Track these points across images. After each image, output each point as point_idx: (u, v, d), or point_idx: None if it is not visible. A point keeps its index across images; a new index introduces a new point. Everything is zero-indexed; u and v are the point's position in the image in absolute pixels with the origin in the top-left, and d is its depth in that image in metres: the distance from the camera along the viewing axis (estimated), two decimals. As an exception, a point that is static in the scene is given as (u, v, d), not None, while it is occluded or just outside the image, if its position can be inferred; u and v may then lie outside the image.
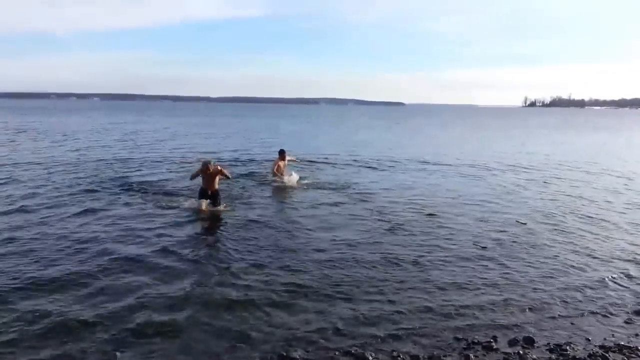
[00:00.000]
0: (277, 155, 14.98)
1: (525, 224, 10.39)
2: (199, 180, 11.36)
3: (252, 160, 20.07)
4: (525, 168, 19.56)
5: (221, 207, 10.94)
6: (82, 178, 14.59)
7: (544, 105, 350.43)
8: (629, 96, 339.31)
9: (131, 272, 7.10)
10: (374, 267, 7.56)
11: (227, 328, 5.52)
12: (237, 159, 20.50)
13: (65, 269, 7.09)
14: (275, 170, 14.46)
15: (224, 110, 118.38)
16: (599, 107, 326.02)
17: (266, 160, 18.91)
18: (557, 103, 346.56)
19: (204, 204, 10.84)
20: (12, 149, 22.51)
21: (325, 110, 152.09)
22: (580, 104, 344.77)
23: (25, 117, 59.16)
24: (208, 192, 10.96)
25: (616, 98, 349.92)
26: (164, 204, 11.30)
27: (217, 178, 11.09)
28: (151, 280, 6.78)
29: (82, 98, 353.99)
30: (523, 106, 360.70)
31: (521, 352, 5.12)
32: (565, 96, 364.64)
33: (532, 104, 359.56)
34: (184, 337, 5.27)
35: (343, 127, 52.44)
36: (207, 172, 10.90)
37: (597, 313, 6.12)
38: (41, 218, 9.88)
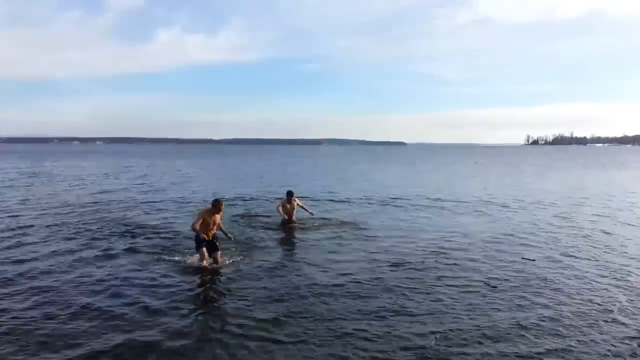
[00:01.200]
0: (285, 197, 14.33)
1: (534, 260, 10.43)
2: None
3: (253, 200, 20.32)
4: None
5: (219, 257, 9.85)
6: (90, 222, 14.76)
7: (547, 143, 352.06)
8: (630, 133, 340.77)
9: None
10: (368, 300, 7.62)
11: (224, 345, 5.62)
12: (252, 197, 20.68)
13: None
14: (278, 209, 14.06)
15: (228, 152, 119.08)
16: (600, 145, 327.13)
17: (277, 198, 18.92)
18: (559, 141, 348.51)
19: (205, 255, 9.66)
20: (29, 192, 22.81)
21: (328, 151, 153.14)
22: (583, 141, 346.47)
23: (39, 162, 59.81)
24: (207, 239, 9.72)
25: (618, 135, 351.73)
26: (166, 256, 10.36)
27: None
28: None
29: (85, 142, 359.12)
30: (525, 144, 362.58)
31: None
32: (567, 134, 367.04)
33: (535, 142, 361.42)
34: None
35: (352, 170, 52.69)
36: (215, 213, 9.74)
37: (602, 347, 6.16)
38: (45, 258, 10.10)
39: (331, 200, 20.72)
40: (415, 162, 67.53)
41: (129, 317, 6.97)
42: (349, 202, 20.24)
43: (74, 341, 6.15)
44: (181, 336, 6.39)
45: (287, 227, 13.85)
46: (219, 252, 9.88)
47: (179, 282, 8.80)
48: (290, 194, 14.18)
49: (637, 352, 6.05)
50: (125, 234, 12.81)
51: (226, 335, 6.44)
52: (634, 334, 6.61)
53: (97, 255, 10.51)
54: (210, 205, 9.95)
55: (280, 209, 14.11)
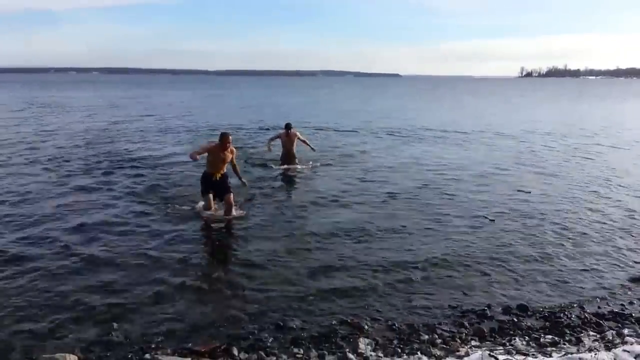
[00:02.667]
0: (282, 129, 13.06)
1: (529, 192, 10.49)
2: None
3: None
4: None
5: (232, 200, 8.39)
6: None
7: (540, 75, 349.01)
8: (623, 66, 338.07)
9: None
10: (371, 239, 7.56)
11: (224, 300, 5.54)
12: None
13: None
14: (269, 144, 13.02)
15: (225, 84, 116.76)
16: (594, 77, 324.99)
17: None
18: (553, 73, 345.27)
19: (211, 202, 8.43)
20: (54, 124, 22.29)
21: (324, 82, 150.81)
22: (576, 74, 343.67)
23: (43, 91, 58.45)
24: (213, 179, 8.33)
25: (611, 68, 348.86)
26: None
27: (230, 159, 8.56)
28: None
29: (82, 72, 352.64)
30: (519, 77, 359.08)
31: (515, 319, 5.15)
32: (561, 66, 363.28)
33: (529, 75, 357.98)
34: (182, 307, 5.25)
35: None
36: (223, 150, 8.26)
37: (592, 281, 6.15)
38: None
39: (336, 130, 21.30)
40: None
41: (122, 271, 6.18)
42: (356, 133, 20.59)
43: (65, 297, 5.56)
44: (180, 292, 5.67)
45: (287, 165, 12.74)
46: (231, 195, 8.30)
47: (179, 233, 7.63)
48: (288, 127, 12.87)
49: (626, 286, 6.00)
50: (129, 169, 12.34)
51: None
52: (623, 273, 6.57)
53: (97, 199, 9.55)
54: (218, 140, 8.29)
55: (272, 142, 13.09)
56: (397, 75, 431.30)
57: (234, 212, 8.44)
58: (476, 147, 17.17)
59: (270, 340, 4.71)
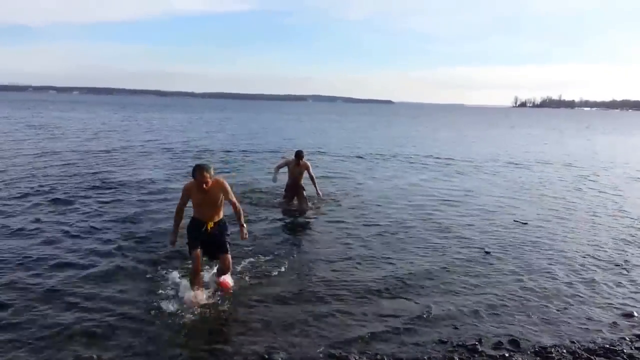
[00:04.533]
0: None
1: (526, 223, 10.46)
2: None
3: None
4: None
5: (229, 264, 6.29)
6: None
7: (535, 105, 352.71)
8: (618, 97, 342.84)
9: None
10: (360, 268, 7.49)
11: (207, 333, 5.43)
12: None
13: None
14: (276, 168, 11.44)
15: (216, 107, 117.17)
16: (589, 109, 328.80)
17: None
18: (547, 104, 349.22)
19: (198, 265, 6.13)
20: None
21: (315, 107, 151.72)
22: (571, 104, 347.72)
23: (29, 111, 58.29)
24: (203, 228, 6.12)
25: (606, 99, 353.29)
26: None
27: None
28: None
29: (62, 92, 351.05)
30: (513, 106, 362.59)
31: (506, 354, 5.06)
32: (555, 97, 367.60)
33: (523, 104, 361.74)
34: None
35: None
36: (200, 186, 5.91)
37: (584, 316, 6.07)
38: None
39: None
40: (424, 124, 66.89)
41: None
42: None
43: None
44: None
45: (293, 199, 11.43)
46: (228, 256, 6.15)
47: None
48: (299, 156, 11.22)
49: (618, 322, 5.94)
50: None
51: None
52: (614, 309, 6.51)
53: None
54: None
55: (279, 170, 11.41)
56: (389, 102, 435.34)
57: (229, 281, 6.47)
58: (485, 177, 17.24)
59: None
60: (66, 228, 8.98)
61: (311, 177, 11.41)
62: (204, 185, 5.83)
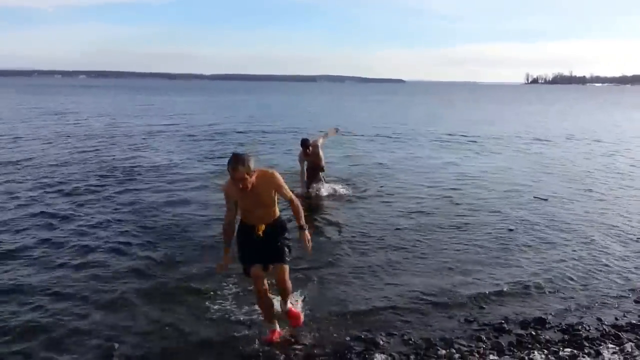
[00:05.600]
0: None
1: (546, 199, 10.46)
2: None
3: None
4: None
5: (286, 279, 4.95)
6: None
7: (547, 82, 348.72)
8: (629, 73, 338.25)
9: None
10: (386, 250, 7.50)
11: (229, 320, 5.35)
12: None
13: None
14: (304, 179, 10.65)
15: (229, 89, 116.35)
16: (600, 84, 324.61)
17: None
18: (559, 80, 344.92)
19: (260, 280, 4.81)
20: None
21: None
22: (582, 80, 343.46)
23: (50, 97, 58.29)
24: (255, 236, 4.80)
25: (617, 75, 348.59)
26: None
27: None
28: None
29: (68, 76, 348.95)
30: (525, 83, 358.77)
31: (533, 333, 5.09)
32: (566, 73, 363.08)
33: (535, 81, 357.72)
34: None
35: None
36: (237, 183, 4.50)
37: (609, 293, 6.07)
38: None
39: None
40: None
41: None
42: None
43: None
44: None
45: (312, 184, 10.75)
46: (285, 268, 4.72)
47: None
48: (305, 144, 10.34)
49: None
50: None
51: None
52: (619, 289, 6.49)
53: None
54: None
55: (305, 174, 10.71)
56: (400, 81, 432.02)
57: (298, 308, 5.26)
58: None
59: (283, 357, 4.66)
60: (92, 219, 8.85)
61: (326, 136, 11.08)
62: (242, 186, 4.32)
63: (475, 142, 20.72)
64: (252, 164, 4.31)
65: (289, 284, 4.78)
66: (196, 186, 11.63)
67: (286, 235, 4.81)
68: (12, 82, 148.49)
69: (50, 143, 18.62)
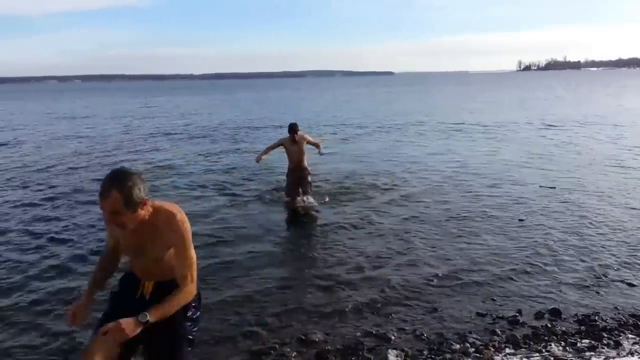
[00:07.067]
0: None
1: (554, 188, 10.33)
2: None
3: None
4: None
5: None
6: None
7: (539, 68, 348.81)
8: (625, 56, 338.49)
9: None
10: (388, 243, 7.35)
11: (242, 315, 5.25)
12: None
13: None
14: (266, 153, 9.43)
15: (222, 87, 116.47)
16: (595, 69, 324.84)
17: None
18: (552, 66, 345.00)
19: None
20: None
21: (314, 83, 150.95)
22: (577, 65, 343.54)
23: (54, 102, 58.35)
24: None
25: (612, 58, 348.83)
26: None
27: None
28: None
29: (63, 81, 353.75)
30: (518, 70, 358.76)
31: (549, 324, 4.91)
32: (560, 58, 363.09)
33: (527, 68, 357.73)
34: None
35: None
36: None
37: (624, 282, 5.89)
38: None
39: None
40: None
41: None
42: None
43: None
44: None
45: (298, 191, 9.30)
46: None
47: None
48: (293, 128, 9.19)
49: None
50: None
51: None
52: (635, 277, 6.29)
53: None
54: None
55: (270, 151, 9.56)
56: (390, 73, 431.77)
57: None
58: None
59: (294, 354, 4.49)
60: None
61: (313, 143, 9.50)
62: (116, 223, 2.66)
63: (478, 131, 20.65)
64: (142, 191, 2.62)
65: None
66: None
67: (190, 312, 2.94)
68: (11, 88, 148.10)
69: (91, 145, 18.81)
